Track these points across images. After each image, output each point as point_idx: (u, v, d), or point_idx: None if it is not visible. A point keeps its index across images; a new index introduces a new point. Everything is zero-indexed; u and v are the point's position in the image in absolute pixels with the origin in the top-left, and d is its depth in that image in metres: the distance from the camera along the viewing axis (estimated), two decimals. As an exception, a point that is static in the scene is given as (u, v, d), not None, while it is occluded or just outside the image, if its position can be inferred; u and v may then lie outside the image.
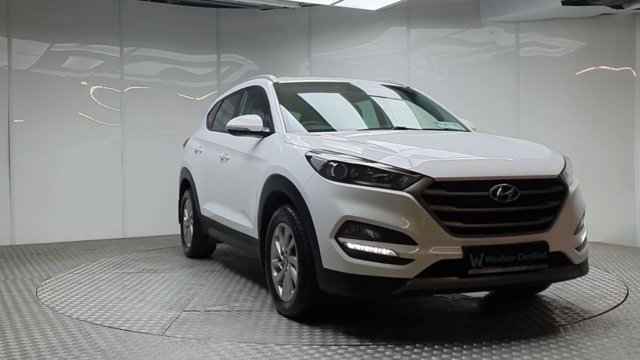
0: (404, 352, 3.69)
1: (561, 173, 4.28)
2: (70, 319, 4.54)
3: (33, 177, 8.25)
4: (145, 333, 4.15)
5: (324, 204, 4.08)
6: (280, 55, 9.38)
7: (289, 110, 5.38)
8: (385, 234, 3.86)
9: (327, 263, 4.01)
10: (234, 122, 5.30)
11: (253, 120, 5.23)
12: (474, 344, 3.83)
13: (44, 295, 5.31)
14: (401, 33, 8.74)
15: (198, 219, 6.78)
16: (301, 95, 5.84)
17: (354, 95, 6.00)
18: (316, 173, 4.18)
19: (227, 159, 5.87)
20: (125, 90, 8.80)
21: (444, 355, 3.64)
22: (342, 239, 3.95)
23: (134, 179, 8.80)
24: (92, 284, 5.74)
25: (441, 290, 4.15)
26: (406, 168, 3.96)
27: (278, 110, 5.27)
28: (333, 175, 4.08)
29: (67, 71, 8.50)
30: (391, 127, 5.47)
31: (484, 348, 3.77)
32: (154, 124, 9.02)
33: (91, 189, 8.54)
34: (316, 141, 4.60)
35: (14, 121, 8.16)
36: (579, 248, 4.28)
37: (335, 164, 4.11)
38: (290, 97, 5.59)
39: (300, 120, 5.38)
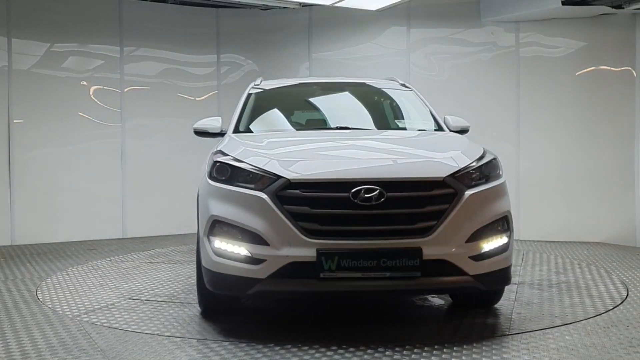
0: (404, 352, 3.69)
1: (453, 175, 3.96)
2: (70, 319, 4.54)
3: (33, 177, 8.24)
4: (111, 327, 4.17)
5: (203, 203, 4.22)
6: (280, 55, 9.38)
7: (261, 112, 5.42)
8: (244, 234, 3.95)
9: (204, 261, 4.17)
10: (196, 125, 5.34)
11: (211, 122, 5.29)
12: (474, 344, 3.83)
13: (44, 295, 5.31)
14: (401, 33, 8.74)
15: None
16: (277, 96, 5.81)
17: (331, 95, 5.95)
18: (206, 173, 4.29)
19: None
20: (125, 90, 8.80)
21: (444, 355, 3.64)
22: (211, 238, 4.07)
23: (134, 179, 8.80)
24: (93, 280, 5.76)
25: (296, 292, 3.98)
26: (265, 169, 4.00)
27: (237, 112, 5.32)
28: (215, 175, 4.18)
29: (67, 71, 8.49)
30: (333, 128, 5.23)
31: (484, 348, 3.76)
32: (153, 124, 9.01)
33: (91, 189, 8.53)
34: (235, 143, 4.55)
35: (14, 121, 8.15)
36: (477, 257, 3.95)
37: (217, 165, 4.19)
38: (266, 99, 5.61)
39: (264, 122, 5.39)
